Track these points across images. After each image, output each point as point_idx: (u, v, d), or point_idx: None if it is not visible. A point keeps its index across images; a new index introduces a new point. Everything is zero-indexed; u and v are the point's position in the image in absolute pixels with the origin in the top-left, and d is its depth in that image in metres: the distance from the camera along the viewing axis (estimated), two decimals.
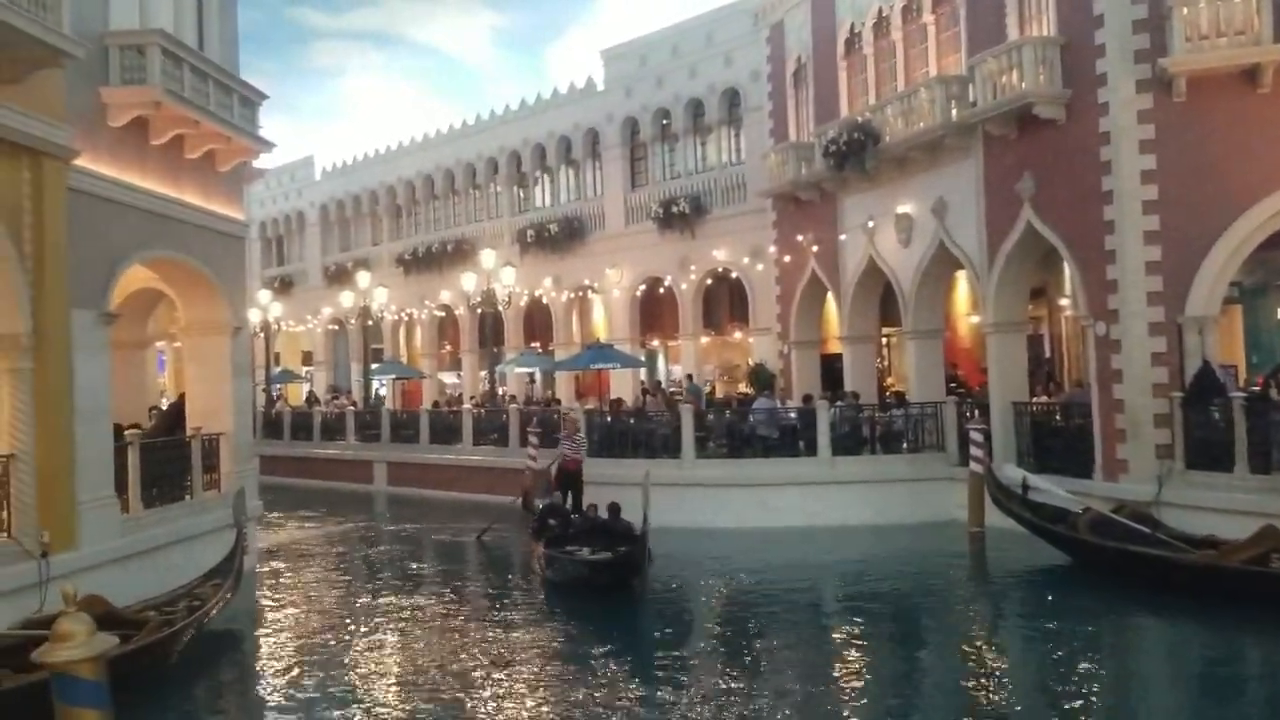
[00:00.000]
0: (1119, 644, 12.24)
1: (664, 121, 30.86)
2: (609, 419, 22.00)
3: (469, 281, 29.73)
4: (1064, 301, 21.58)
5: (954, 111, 19.12)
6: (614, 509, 15.78)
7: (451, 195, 38.15)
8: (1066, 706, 9.61)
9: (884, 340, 26.15)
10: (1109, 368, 16.24)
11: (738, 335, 30.31)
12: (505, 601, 14.92)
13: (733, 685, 10.40)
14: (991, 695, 10.19)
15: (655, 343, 32.97)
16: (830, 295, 24.50)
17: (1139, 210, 15.71)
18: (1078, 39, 16.62)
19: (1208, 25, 15.20)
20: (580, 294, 33.75)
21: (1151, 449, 15.55)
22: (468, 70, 75.76)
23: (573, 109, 33.29)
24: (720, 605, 14.48)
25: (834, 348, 25.34)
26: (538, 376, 35.04)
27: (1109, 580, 14.04)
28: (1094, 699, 9.90)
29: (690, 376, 28.67)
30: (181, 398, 17.17)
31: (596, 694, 10.15)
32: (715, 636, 12.87)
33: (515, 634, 12.70)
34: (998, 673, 11.11)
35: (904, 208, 21.19)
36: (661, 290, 30.90)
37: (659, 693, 10.15)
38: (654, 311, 31.96)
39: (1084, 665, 10.98)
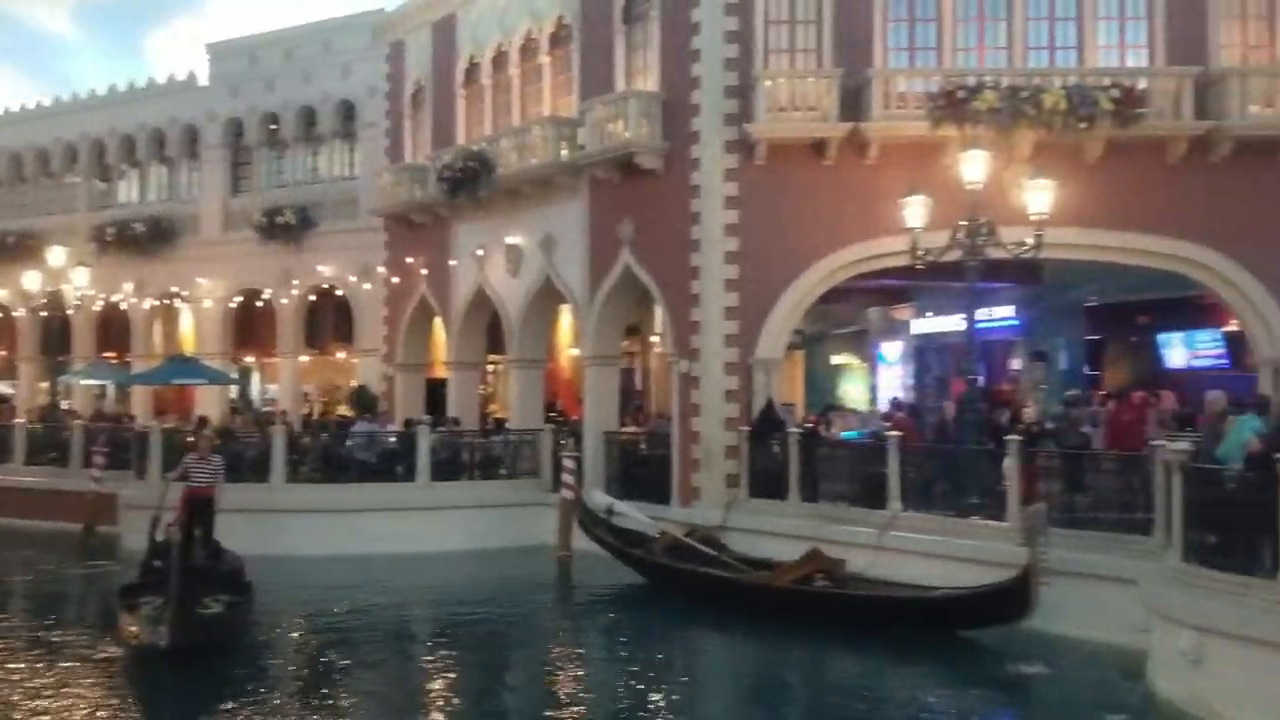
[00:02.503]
0: (686, 661, 13.18)
1: (272, 126, 29.52)
2: (188, 439, 20.62)
3: (32, 280, 26.74)
4: (655, 339, 23.02)
5: (564, 152, 19.88)
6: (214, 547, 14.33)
7: (19, 182, 34.18)
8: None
9: (489, 367, 26.55)
10: (689, 402, 17.50)
11: (341, 355, 29.53)
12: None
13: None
14: (572, 713, 10.60)
15: (250, 359, 31.36)
16: (439, 320, 24.54)
17: (721, 260, 17.11)
18: (677, 97, 17.89)
19: (786, 99, 16.88)
20: (166, 302, 31.35)
21: (722, 478, 16.92)
22: (48, 42, 67.94)
23: (170, 102, 30.97)
24: (307, 638, 13.88)
25: (440, 372, 25.38)
26: (110, 390, 32.14)
27: (681, 600, 15.06)
28: (662, 710, 10.57)
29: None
30: None
31: None
32: (299, 673, 12.22)
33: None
34: (576, 693, 11.59)
35: (514, 239, 21.70)
36: (260, 304, 29.42)
37: None
38: (251, 326, 30.33)
39: (655, 681, 11.71)
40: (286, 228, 28.23)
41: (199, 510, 14.73)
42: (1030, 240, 14.45)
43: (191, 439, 17.58)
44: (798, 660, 12.84)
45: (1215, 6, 16.79)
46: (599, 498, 17.70)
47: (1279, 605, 8.63)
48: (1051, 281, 20.04)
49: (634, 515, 16.85)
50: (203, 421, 22.43)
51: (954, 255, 14.64)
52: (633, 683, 11.62)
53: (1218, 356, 19.39)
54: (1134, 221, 16.46)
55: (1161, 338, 20.39)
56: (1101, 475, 13.40)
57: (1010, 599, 11.78)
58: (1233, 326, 18.08)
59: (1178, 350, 20.25)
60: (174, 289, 30.50)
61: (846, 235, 16.84)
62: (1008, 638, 12.11)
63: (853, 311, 23.88)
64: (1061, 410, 15.43)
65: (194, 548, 13.92)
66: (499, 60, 22.96)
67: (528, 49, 22.17)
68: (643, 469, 18.91)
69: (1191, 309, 19.29)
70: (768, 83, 16.81)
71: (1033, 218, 14.37)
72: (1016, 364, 22.05)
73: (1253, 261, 16.33)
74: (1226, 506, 9.96)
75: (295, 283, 28.37)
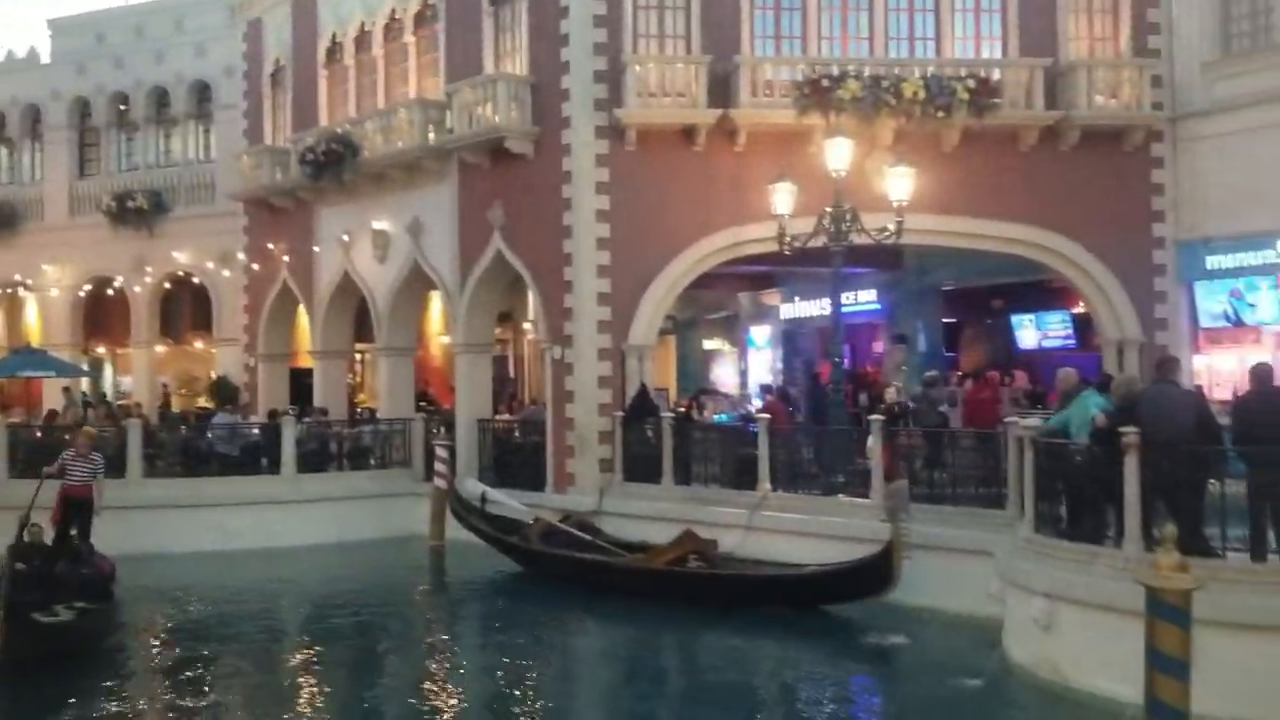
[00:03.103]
0: (562, 645, 13.21)
1: (122, 106, 28.22)
2: (38, 434, 19.73)
3: None
4: (528, 325, 22.93)
5: (431, 135, 19.59)
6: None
7: None
8: (515, 709, 10.21)
9: (357, 356, 26.04)
10: (563, 388, 17.51)
11: (200, 345, 28.51)
12: None
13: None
14: (447, 703, 10.53)
15: (102, 350, 30.05)
16: (302, 307, 23.94)
17: (593, 246, 17.13)
18: (547, 81, 17.81)
19: (655, 84, 16.99)
20: (9, 291, 29.78)
21: (596, 463, 16.98)
22: None
23: (10, 80, 29.25)
24: (167, 640, 13.29)
25: (305, 361, 24.76)
26: None
27: (557, 585, 15.09)
28: (539, 699, 10.59)
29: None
30: None
31: None
32: (157, 678, 11.68)
33: None
34: (451, 681, 11.52)
35: (381, 224, 21.30)
36: (112, 292, 28.19)
37: None
38: (102, 315, 29.02)
39: (531, 667, 11.73)
40: (139, 212, 27.05)
41: (75, 510, 13.91)
42: (891, 226, 14.91)
43: (67, 435, 16.52)
44: (672, 640, 13.04)
45: (1065, 0, 17.54)
46: (472, 486, 17.60)
47: (1123, 572, 9.09)
48: (911, 267, 20.73)
49: (508, 503, 16.80)
50: (52, 415, 21.48)
51: (820, 241, 14.99)
52: (508, 669, 11.61)
53: (1066, 337, 20.33)
54: (988, 208, 17.13)
55: (1014, 320, 21.26)
56: (959, 452, 13.95)
57: (874, 574, 12.18)
58: (1080, 309, 18.98)
59: (1029, 332, 21.16)
60: (18, 277, 28.95)
61: (716, 221, 17.07)
62: (872, 611, 12.52)
63: (723, 297, 24.24)
64: (920, 391, 15.96)
65: (70, 548, 13.34)
66: (362, 40, 22.44)
67: (392, 28, 21.71)
68: (517, 456, 18.85)
69: (1042, 292, 20.18)
70: (637, 68, 16.88)
71: (894, 204, 14.82)
72: (879, 347, 22.72)
73: (1099, 246, 17.17)
74: (1074, 479, 10.50)
75: (149, 270, 27.24)
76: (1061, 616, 9.86)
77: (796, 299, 23.40)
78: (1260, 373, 9.97)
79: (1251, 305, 16.69)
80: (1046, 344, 20.82)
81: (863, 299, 22.11)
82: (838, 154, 14.79)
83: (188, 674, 11.52)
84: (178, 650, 12.74)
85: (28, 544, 12.34)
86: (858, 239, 15.07)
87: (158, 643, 13.24)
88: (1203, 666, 7.47)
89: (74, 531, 13.78)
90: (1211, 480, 9.50)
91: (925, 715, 9.87)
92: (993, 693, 10.04)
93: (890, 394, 16.05)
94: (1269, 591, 8.82)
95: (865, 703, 10.86)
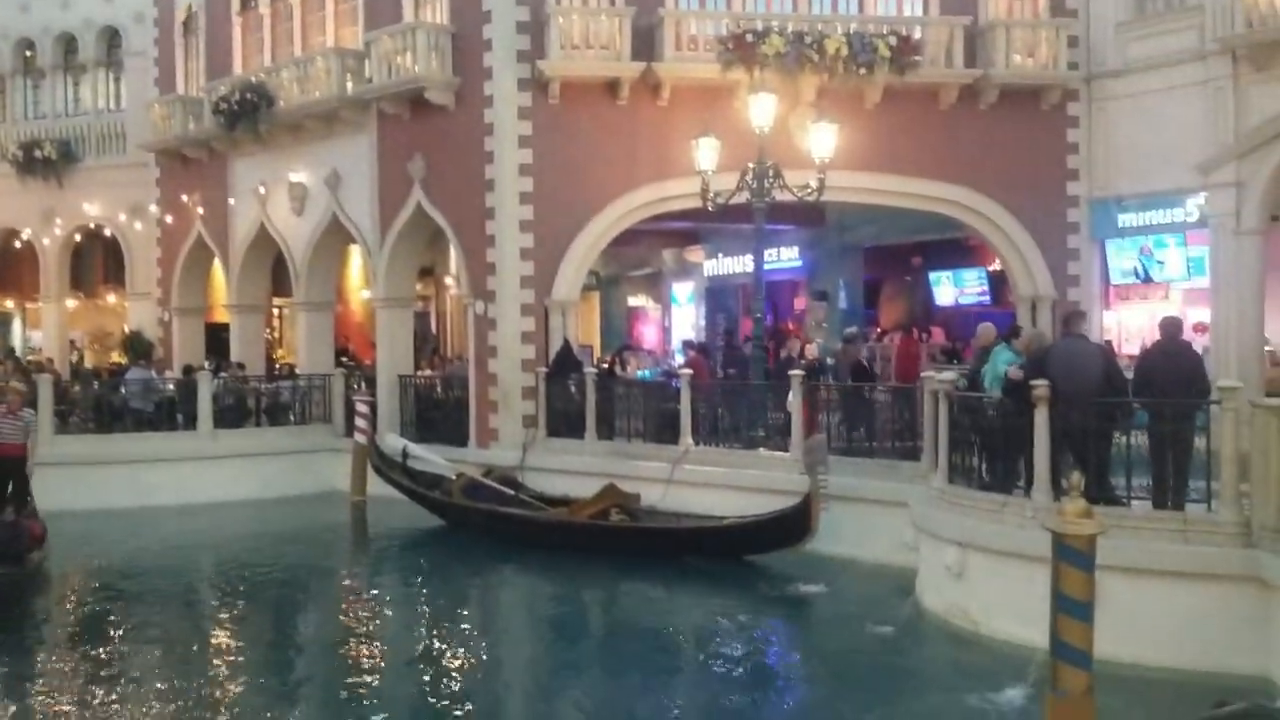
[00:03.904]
0: (484, 598, 13.27)
1: (28, 53, 27.14)
2: None
3: None
4: (450, 280, 22.72)
5: (349, 85, 19.14)
6: None
7: None
8: (438, 661, 10.23)
9: (275, 311, 25.58)
10: (486, 344, 17.39)
11: (112, 299, 27.78)
12: None
13: (97, 689, 9.50)
14: (367, 659, 10.52)
15: (10, 304, 29.15)
16: (218, 261, 23.40)
17: (516, 200, 16.94)
18: (468, 30, 17.48)
19: (579, 36, 16.77)
20: None
21: (519, 419, 16.93)
22: None
23: None
24: (83, 598, 13.12)
25: (221, 316, 24.25)
26: None
27: (480, 540, 15.08)
28: (462, 650, 10.62)
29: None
30: None
31: None
32: (69, 638, 11.39)
33: None
34: (373, 635, 11.50)
35: (297, 176, 20.84)
36: (19, 245, 27.28)
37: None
38: (9, 269, 28.11)
39: (453, 620, 11.78)
40: (47, 162, 26.08)
41: (8, 470, 13.63)
42: (814, 183, 15.00)
43: None
44: (594, 592, 13.14)
45: None
46: (394, 441, 17.45)
47: (1032, 520, 9.35)
48: (833, 224, 20.95)
49: (430, 458, 16.70)
50: None
51: (742, 198, 15.03)
52: (431, 622, 11.64)
53: (981, 294, 20.75)
54: (909, 166, 17.31)
55: (932, 277, 21.62)
56: (876, 406, 14.18)
57: (793, 524, 12.37)
58: (995, 266, 19.35)
59: (946, 289, 21.54)
60: None
61: (640, 176, 17.00)
62: (791, 561, 12.73)
63: (647, 254, 24.26)
64: (840, 347, 16.18)
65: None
66: None
67: None
68: (439, 412, 18.74)
69: (959, 250, 20.55)
70: (560, 19, 16.66)
71: (816, 161, 14.90)
72: (800, 304, 22.95)
73: (1015, 204, 17.48)
74: (986, 432, 10.75)
75: (59, 222, 26.35)
76: (972, 564, 10.13)
77: (720, 256, 23.54)
78: (1167, 325, 10.26)
79: (1160, 263, 17.16)
80: (963, 301, 21.24)
81: (785, 256, 22.32)
82: (761, 110, 14.81)
83: (101, 631, 11.34)
84: (92, 607, 12.56)
85: None
86: (780, 196, 15.14)
87: (71, 600, 13.00)
88: (1105, 611, 7.73)
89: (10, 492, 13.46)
90: (1117, 431, 9.81)
91: (841, 661, 10.08)
92: (906, 638, 10.31)
93: (810, 350, 16.23)
94: (1169, 538, 9.15)
95: (783, 649, 11.08)
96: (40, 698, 9.14)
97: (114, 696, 9.09)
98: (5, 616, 11.42)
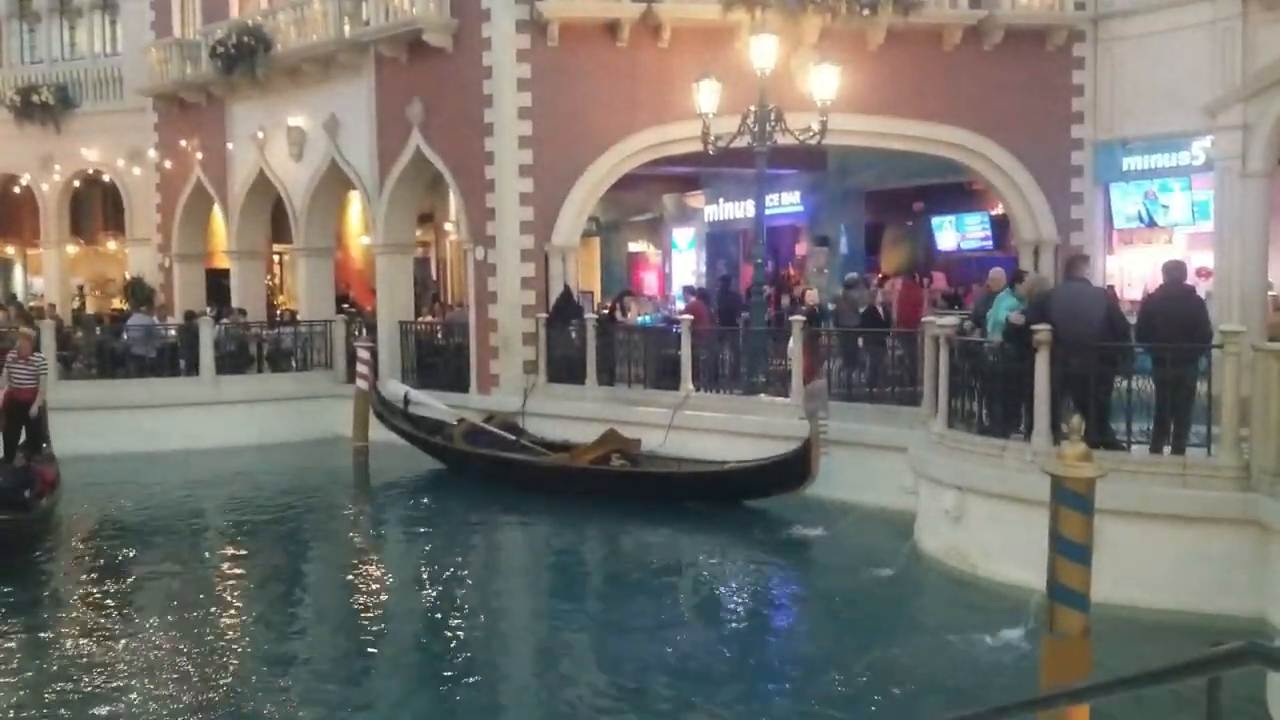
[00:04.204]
0: (487, 542, 13.36)
1: None
2: None
3: None
4: (449, 226, 22.61)
5: (347, 28, 18.92)
6: None
7: None
8: (441, 604, 10.32)
9: (275, 257, 25.51)
10: (486, 290, 17.34)
11: (112, 245, 27.70)
12: None
13: (113, 626, 9.67)
14: (372, 599, 10.61)
15: (11, 251, 29.07)
16: (217, 207, 23.28)
17: (515, 144, 16.79)
18: None
19: None
20: None
21: (520, 364, 16.92)
22: None
23: None
24: (96, 539, 13.19)
25: (221, 262, 24.19)
26: None
27: (481, 485, 15.16)
28: (465, 593, 10.72)
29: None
30: None
31: None
32: (80, 582, 11.53)
33: None
34: (376, 578, 11.62)
35: (296, 120, 20.67)
36: (19, 190, 27.16)
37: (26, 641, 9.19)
38: (9, 215, 27.99)
39: (454, 561, 11.87)
40: (45, 107, 25.87)
41: (20, 414, 13.74)
42: (815, 126, 14.84)
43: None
44: (595, 536, 13.24)
45: None
46: (395, 387, 17.48)
47: (1031, 464, 9.37)
48: (834, 168, 20.78)
49: (431, 404, 16.73)
50: None
51: (744, 142, 14.89)
52: (432, 563, 11.72)
53: (984, 239, 20.62)
54: (912, 108, 17.13)
55: (934, 222, 21.48)
56: (877, 352, 14.16)
57: (793, 469, 12.42)
58: (998, 211, 19.22)
59: (948, 234, 21.40)
60: None
61: (640, 120, 16.83)
62: (791, 505, 12.81)
63: (647, 199, 24.11)
64: (841, 293, 16.12)
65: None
66: None
67: None
68: (439, 358, 18.75)
69: (961, 195, 20.38)
70: None
71: (818, 104, 14.73)
72: (801, 249, 22.84)
73: (1019, 148, 17.32)
74: (987, 377, 10.75)
75: (57, 168, 26.20)
76: (971, 508, 10.18)
77: (720, 201, 23.38)
78: (1170, 269, 10.21)
79: (1165, 206, 17.04)
80: (965, 246, 21.11)
81: (786, 201, 22.15)
82: (763, 52, 14.59)
83: (111, 573, 11.46)
84: (100, 551, 12.63)
85: None
86: (782, 139, 14.98)
87: (80, 543, 13.09)
88: (1102, 555, 7.76)
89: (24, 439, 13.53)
90: (1118, 376, 9.80)
91: (839, 602, 10.17)
92: (904, 581, 10.38)
93: (811, 296, 16.19)
94: (1167, 482, 9.18)
95: (782, 591, 11.17)
96: (49, 637, 9.25)
97: (123, 636, 9.20)
98: (12, 562, 11.46)
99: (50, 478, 13.18)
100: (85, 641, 9.09)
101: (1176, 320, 9.63)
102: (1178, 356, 9.52)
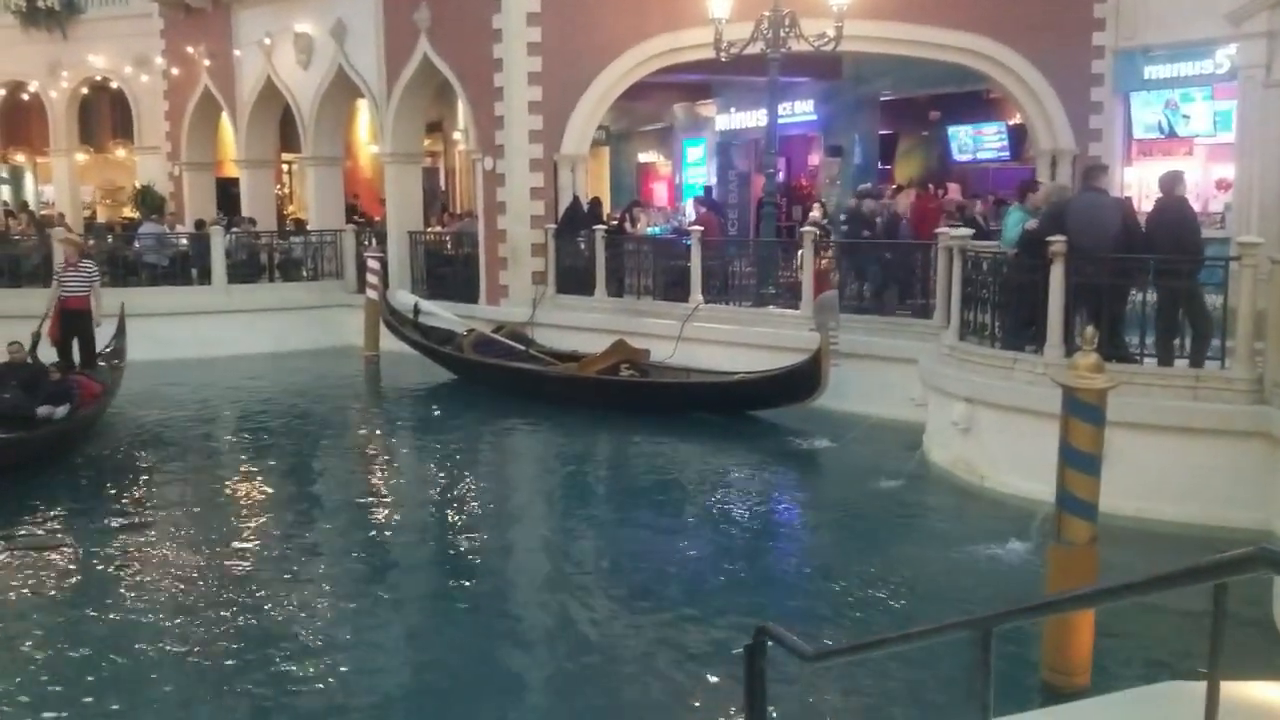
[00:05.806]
0: (496, 450, 13.46)
1: None
2: None
3: None
4: (458, 136, 22.36)
5: None
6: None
7: None
8: (452, 509, 10.45)
9: (284, 166, 25.32)
10: (494, 200, 17.21)
11: (121, 153, 27.55)
12: None
13: (136, 521, 9.86)
14: (384, 505, 10.74)
15: (20, 159, 28.92)
16: (225, 115, 23.05)
17: (524, 51, 16.52)
18: None
19: None
20: None
21: (529, 275, 16.89)
22: None
23: None
24: (114, 444, 13.19)
25: (230, 171, 24.05)
26: None
27: (491, 394, 15.23)
28: (472, 495, 10.86)
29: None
30: None
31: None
32: (101, 482, 11.63)
33: None
34: (389, 483, 11.75)
35: (303, 26, 20.32)
36: (26, 97, 26.96)
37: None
38: (18, 122, 27.87)
39: (465, 467, 11.99)
40: (50, 13, 25.60)
41: (73, 321, 13.48)
42: (831, 33, 14.52)
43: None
44: (604, 445, 13.32)
45: None
46: (405, 297, 17.48)
47: (1043, 376, 9.34)
48: (849, 76, 20.39)
49: (441, 314, 16.73)
50: None
51: (757, 48, 14.59)
52: (443, 467, 11.85)
53: (1000, 149, 20.30)
54: (929, 14, 16.73)
55: (950, 131, 21.13)
56: (888, 264, 14.05)
57: (802, 380, 12.40)
58: (1015, 120, 18.88)
59: (964, 143, 21.07)
60: None
61: (651, 26, 16.51)
62: (800, 416, 12.82)
63: (658, 108, 23.75)
64: (854, 204, 15.92)
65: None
66: None
67: None
68: (449, 269, 18.71)
69: (978, 103, 20.02)
70: None
71: (833, 9, 14.38)
72: (815, 159, 22.53)
73: (1038, 55, 16.94)
74: (1000, 288, 10.65)
75: (65, 74, 26.00)
76: (981, 419, 10.18)
77: (732, 110, 23.01)
78: (1164, 181, 9.98)
79: (1186, 116, 16.70)
80: (981, 156, 20.80)
81: (799, 110, 21.80)
82: None
83: (127, 479, 11.56)
84: (117, 456, 12.70)
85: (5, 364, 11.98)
86: (796, 46, 14.68)
87: (96, 448, 13.16)
88: (1111, 466, 7.76)
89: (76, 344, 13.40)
90: (1133, 288, 9.70)
91: (847, 512, 10.24)
92: (912, 491, 10.44)
93: (822, 206, 16.01)
94: (1179, 394, 9.15)
95: (789, 500, 11.24)
96: (78, 538, 9.39)
97: (145, 537, 9.35)
98: (38, 470, 11.54)
99: (95, 391, 12.93)
100: (109, 543, 9.22)
101: (1163, 231, 9.48)
102: (1165, 268, 9.38)
